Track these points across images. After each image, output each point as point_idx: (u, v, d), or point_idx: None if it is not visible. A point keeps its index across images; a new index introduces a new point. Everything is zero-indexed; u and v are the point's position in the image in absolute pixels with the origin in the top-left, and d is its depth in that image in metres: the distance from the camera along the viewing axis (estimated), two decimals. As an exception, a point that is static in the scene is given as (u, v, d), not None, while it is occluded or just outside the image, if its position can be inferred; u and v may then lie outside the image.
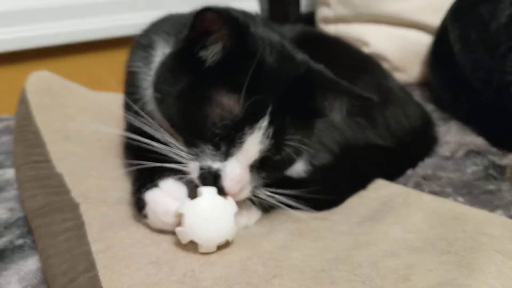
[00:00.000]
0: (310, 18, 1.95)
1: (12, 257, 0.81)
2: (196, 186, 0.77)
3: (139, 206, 0.79)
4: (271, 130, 0.73)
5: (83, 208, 0.81)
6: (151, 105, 0.86)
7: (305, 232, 0.82)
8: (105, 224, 0.79)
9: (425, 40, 1.68)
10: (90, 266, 0.69)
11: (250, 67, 0.72)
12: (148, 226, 0.79)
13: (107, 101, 1.24)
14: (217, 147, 0.75)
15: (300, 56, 0.81)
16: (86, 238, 0.74)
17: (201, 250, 0.74)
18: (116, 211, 0.83)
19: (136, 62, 0.90)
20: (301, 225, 0.84)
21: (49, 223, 0.78)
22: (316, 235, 0.81)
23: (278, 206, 0.83)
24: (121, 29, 1.60)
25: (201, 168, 0.75)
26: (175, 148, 0.78)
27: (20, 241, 0.85)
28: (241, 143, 0.73)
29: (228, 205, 0.75)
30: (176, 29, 0.88)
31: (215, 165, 0.74)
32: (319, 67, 0.80)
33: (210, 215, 0.74)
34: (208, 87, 0.74)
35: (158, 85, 0.81)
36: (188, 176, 0.77)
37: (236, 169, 0.74)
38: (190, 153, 0.76)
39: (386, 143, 1.06)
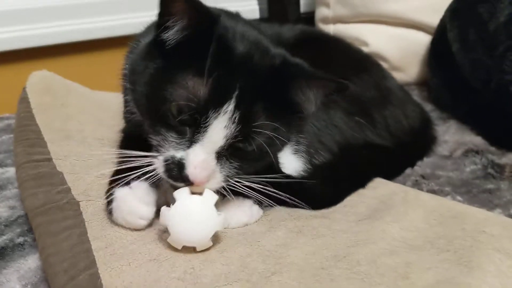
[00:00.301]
0: (309, 18, 1.95)
1: (12, 255, 0.82)
2: (174, 188, 0.76)
3: (108, 201, 0.80)
4: (237, 115, 0.72)
5: (84, 206, 0.82)
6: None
7: (304, 230, 0.82)
8: (105, 222, 0.79)
9: (424, 40, 1.69)
10: (91, 264, 0.69)
11: (222, 50, 0.72)
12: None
13: (107, 101, 1.25)
14: (181, 133, 0.73)
15: (277, 50, 0.80)
16: (86, 236, 0.75)
17: (198, 249, 0.75)
18: (116, 209, 0.83)
19: (125, 67, 0.91)
20: (300, 223, 0.84)
21: (49, 222, 0.79)
22: (315, 233, 0.81)
23: (268, 201, 0.82)
24: (121, 28, 1.61)
25: (165, 160, 0.74)
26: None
27: (20, 239, 0.85)
28: (206, 127, 0.71)
29: (205, 199, 0.74)
30: None
31: (178, 154, 0.73)
32: (297, 60, 0.79)
33: (190, 216, 0.73)
34: (173, 71, 0.73)
35: (130, 76, 0.81)
36: (157, 176, 0.76)
37: (199, 155, 0.72)
38: (155, 147, 0.76)
39: (385, 143, 1.06)
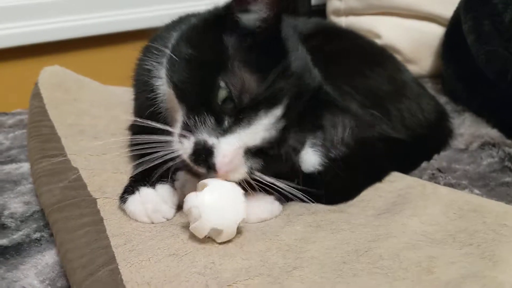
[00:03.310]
0: (321, 10, 1.93)
1: (29, 251, 0.81)
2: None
3: (127, 191, 0.80)
4: (281, 122, 0.74)
5: (101, 203, 0.81)
6: (164, 100, 0.87)
7: (322, 225, 0.82)
8: (123, 219, 0.79)
9: (437, 32, 1.67)
10: (110, 260, 0.69)
11: (282, 55, 0.74)
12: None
13: (119, 95, 1.24)
14: (220, 121, 0.73)
15: (315, 71, 0.83)
16: (105, 233, 0.75)
17: (222, 239, 0.74)
18: (133, 205, 0.82)
19: (150, 61, 0.89)
20: (318, 218, 0.84)
21: (66, 218, 0.79)
22: (334, 228, 0.81)
23: (289, 196, 0.82)
24: (133, 23, 1.61)
25: (196, 143, 0.73)
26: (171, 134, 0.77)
27: (37, 235, 0.85)
28: (250, 123, 0.72)
29: (235, 185, 0.75)
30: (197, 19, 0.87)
31: (210, 140, 0.72)
32: (328, 87, 0.84)
33: (221, 200, 0.73)
34: (231, 58, 0.73)
35: (177, 48, 0.79)
36: (178, 159, 0.76)
37: (231, 146, 0.72)
38: (185, 128, 0.74)
39: (401, 136, 1.05)
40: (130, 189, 0.81)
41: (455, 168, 1.09)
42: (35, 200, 0.93)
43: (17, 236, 0.85)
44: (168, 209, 0.80)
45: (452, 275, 0.67)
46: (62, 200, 0.82)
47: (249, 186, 0.78)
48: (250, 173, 0.77)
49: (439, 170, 1.07)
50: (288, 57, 0.76)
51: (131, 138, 0.83)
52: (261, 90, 0.72)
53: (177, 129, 0.77)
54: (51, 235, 0.82)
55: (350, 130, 0.82)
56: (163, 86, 0.86)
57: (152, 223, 0.79)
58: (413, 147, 1.07)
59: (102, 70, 1.49)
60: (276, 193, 0.81)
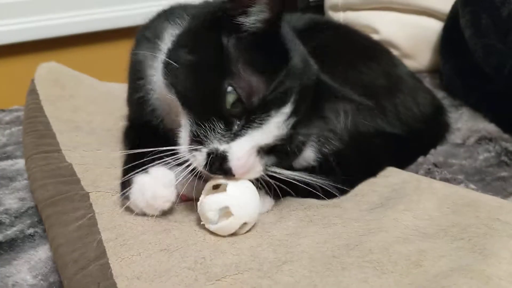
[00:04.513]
0: (319, 6, 1.93)
1: (23, 246, 0.82)
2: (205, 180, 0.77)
3: (124, 186, 0.79)
4: (291, 120, 0.74)
5: (93, 197, 0.81)
6: (156, 91, 0.87)
7: (315, 219, 0.82)
8: (115, 213, 0.79)
9: (435, 27, 1.66)
10: (101, 254, 0.69)
11: (283, 53, 0.75)
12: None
13: (115, 91, 1.25)
14: (229, 125, 0.73)
15: (315, 65, 0.84)
16: (96, 227, 0.74)
17: (243, 230, 0.76)
18: (125, 200, 0.83)
19: (142, 51, 0.90)
20: (311, 212, 0.84)
21: (60, 213, 0.79)
22: (326, 222, 0.81)
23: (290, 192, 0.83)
24: (129, 19, 1.61)
25: (209, 153, 0.73)
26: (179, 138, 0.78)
27: (30, 231, 0.86)
28: (261, 124, 0.72)
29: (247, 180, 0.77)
30: (189, 12, 0.88)
31: (222, 147, 0.73)
32: (327, 79, 0.84)
33: (247, 195, 0.76)
34: (235, 61, 0.73)
35: (174, 53, 0.78)
36: (189, 167, 0.75)
37: (244, 148, 0.72)
38: (195, 139, 0.74)
39: (396, 131, 1.05)
40: (127, 183, 0.80)
41: (452, 163, 1.09)
42: (29, 196, 0.94)
43: (11, 232, 0.85)
44: (168, 192, 0.78)
45: (441, 268, 0.67)
46: (55, 195, 0.82)
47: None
48: (265, 170, 0.78)
49: (435, 165, 1.07)
50: (290, 55, 0.76)
51: (131, 152, 0.82)
52: (268, 91, 0.72)
53: (184, 139, 0.77)
54: (44, 230, 0.82)
55: (351, 115, 0.83)
56: (155, 77, 0.86)
57: (159, 211, 0.78)
58: (409, 141, 1.07)
59: (99, 67, 1.50)
60: (266, 187, 0.82)
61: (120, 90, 1.18)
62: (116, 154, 0.96)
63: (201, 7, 0.90)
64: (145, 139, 0.83)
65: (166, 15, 0.93)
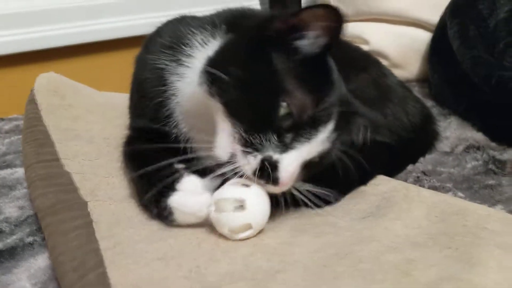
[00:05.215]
0: (311, 16, 1.95)
1: (23, 255, 0.84)
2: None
3: (163, 214, 0.80)
4: (333, 135, 0.79)
5: (92, 206, 0.83)
6: (178, 96, 0.89)
7: (307, 228, 0.84)
8: (113, 221, 0.80)
9: (424, 37, 1.69)
10: (99, 263, 0.70)
11: (328, 73, 0.82)
12: (155, 222, 0.81)
13: (113, 101, 1.26)
14: (281, 137, 0.76)
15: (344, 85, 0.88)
16: (94, 236, 0.76)
17: (241, 236, 0.78)
18: (123, 209, 0.85)
19: (161, 60, 0.91)
20: (302, 221, 0.86)
21: (59, 221, 0.80)
22: (318, 231, 0.83)
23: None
24: (128, 30, 1.64)
25: (263, 160, 0.76)
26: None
27: (30, 239, 0.87)
28: (310, 139, 0.77)
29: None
30: (223, 19, 0.90)
31: (275, 156, 0.76)
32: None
33: (264, 198, 0.79)
34: (288, 80, 0.77)
35: (221, 64, 0.80)
36: (231, 172, 0.78)
37: (295, 161, 0.76)
38: (246, 145, 0.77)
39: (386, 140, 1.07)
40: (157, 204, 0.81)
41: (440, 171, 1.11)
42: (29, 204, 0.96)
43: (11, 240, 0.87)
44: (207, 197, 0.80)
45: (430, 277, 0.68)
46: (56, 204, 0.84)
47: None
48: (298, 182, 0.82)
49: (424, 173, 1.09)
50: (334, 75, 0.82)
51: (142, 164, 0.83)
52: (318, 108, 0.77)
53: (223, 144, 0.79)
54: (43, 239, 0.84)
55: (365, 130, 0.90)
56: (180, 83, 0.88)
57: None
58: (398, 150, 1.09)
59: (98, 77, 1.51)
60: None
61: (118, 99, 1.20)
62: (114, 163, 0.98)
63: (234, 17, 0.92)
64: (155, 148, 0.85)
65: (185, 22, 0.94)
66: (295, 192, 0.83)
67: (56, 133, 1.04)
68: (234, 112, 0.78)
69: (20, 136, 1.18)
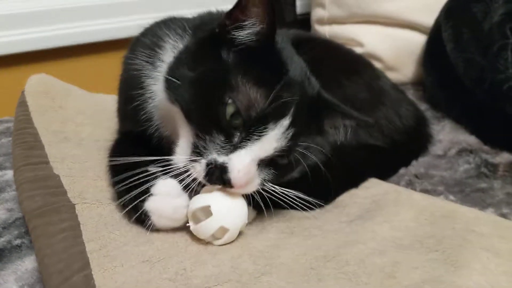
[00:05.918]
0: (306, 19, 1.96)
1: (10, 257, 0.83)
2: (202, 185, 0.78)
3: (141, 219, 0.80)
4: (290, 131, 0.76)
5: (79, 209, 0.83)
6: (155, 100, 0.88)
7: (296, 231, 0.84)
8: (100, 224, 0.80)
9: (418, 40, 1.69)
10: (85, 265, 0.70)
11: (281, 65, 0.78)
12: (141, 226, 0.81)
13: (104, 103, 1.26)
14: (229, 137, 0.75)
15: (313, 79, 0.86)
16: (81, 238, 0.76)
17: (223, 241, 0.77)
18: (110, 211, 0.84)
19: (139, 60, 0.90)
20: (292, 224, 0.86)
21: (46, 224, 0.80)
22: (306, 234, 0.83)
23: (279, 205, 0.84)
24: (118, 31, 1.63)
25: (208, 164, 0.75)
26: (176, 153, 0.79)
27: (18, 241, 0.87)
28: (260, 136, 0.74)
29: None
30: (191, 24, 0.90)
31: (220, 158, 0.74)
32: (327, 94, 0.87)
33: (234, 200, 0.77)
34: (233, 75, 0.75)
35: (176, 69, 0.80)
36: (189, 178, 0.77)
37: (244, 160, 0.74)
38: (195, 151, 0.76)
39: (379, 143, 1.07)
40: (134, 208, 0.79)
41: (432, 174, 1.10)
42: (17, 207, 0.95)
43: (-2, 243, 0.86)
44: (184, 200, 0.79)
45: (414, 279, 0.69)
46: (42, 206, 0.83)
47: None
48: (263, 184, 0.80)
49: (416, 176, 1.09)
50: (287, 68, 0.78)
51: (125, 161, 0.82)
52: (268, 103, 0.74)
53: (183, 149, 0.79)
54: (31, 241, 0.83)
55: (351, 131, 0.86)
56: (155, 86, 0.87)
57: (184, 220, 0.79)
58: (391, 153, 1.09)
59: (89, 78, 1.50)
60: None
61: (109, 101, 1.19)
62: (103, 165, 0.97)
63: (202, 21, 0.92)
64: (137, 152, 0.84)
65: (167, 25, 0.94)
66: (271, 192, 0.81)
67: (46, 136, 1.04)
68: (188, 115, 0.78)
69: (11, 138, 1.18)
